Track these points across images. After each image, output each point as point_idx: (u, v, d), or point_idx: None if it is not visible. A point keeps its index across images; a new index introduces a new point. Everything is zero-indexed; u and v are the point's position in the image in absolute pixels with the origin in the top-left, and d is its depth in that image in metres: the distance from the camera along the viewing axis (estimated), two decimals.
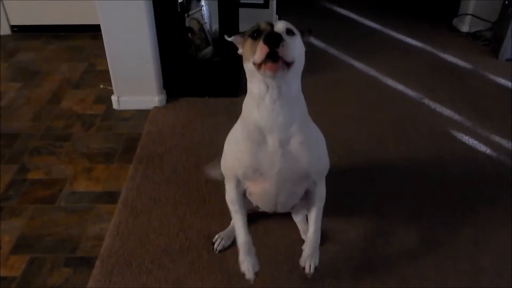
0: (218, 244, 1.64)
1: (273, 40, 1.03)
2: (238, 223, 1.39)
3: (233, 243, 1.63)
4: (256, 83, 1.14)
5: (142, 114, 2.47)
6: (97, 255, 1.62)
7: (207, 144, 2.21)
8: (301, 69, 1.18)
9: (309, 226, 1.43)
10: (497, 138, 2.28)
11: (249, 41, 1.12)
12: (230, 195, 1.38)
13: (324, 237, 1.67)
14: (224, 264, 1.59)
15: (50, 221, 1.80)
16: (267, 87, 1.13)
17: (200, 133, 2.29)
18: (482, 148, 2.21)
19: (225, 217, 1.76)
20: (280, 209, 1.48)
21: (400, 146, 2.22)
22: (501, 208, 1.85)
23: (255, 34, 1.10)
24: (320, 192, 1.40)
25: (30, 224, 1.78)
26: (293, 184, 1.31)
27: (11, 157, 2.15)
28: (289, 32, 1.12)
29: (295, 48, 1.10)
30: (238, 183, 1.35)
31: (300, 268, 1.46)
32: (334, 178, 1.95)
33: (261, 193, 1.34)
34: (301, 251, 1.45)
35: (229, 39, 1.25)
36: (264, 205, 1.45)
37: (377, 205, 1.86)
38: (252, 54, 1.08)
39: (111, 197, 1.91)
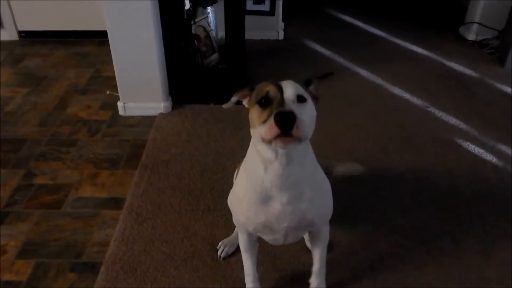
0: (222, 251, 1.64)
1: (286, 121, 0.96)
2: (248, 267, 1.43)
3: (237, 250, 1.64)
4: (265, 148, 1.07)
5: (147, 120, 2.49)
6: (102, 261, 1.63)
7: (212, 151, 2.21)
8: (311, 134, 1.08)
9: (314, 261, 1.44)
10: (503, 147, 2.27)
11: (256, 109, 1.05)
12: (243, 245, 1.39)
13: (330, 248, 1.67)
14: (228, 272, 1.59)
15: (56, 226, 1.81)
16: (276, 154, 1.07)
17: (205, 140, 2.30)
18: (488, 157, 2.20)
19: (230, 225, 1.76)
20: (289, 243, 1.48)
21: (405, 154, 2.21)
22: (506, 218, 1.83)
23: (263, 101, 1.04)
24: (324, 235, 1.39)
25: (36, 229, 1.79)
26: (299, 231, 1.31)
27: (18, 163, 2.16)
28: (300, 99, 1.04)
29: (307, 118, 1.02)
30: (250, 235, 1.34)
31: (304, 277, 1.46)
32: (338, 186, 1.96)
33: (269, 240, 1.33)
34: (305, 259, 1.46)
35: (228, 104, 1.20)
36: (272, 244, 1.44)
37: (381, 214, 1.85)
38: (260, 123, 1.01)
39: (116, 203, 1.92)
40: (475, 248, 1.70)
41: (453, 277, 1.58)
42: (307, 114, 1.03)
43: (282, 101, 1.02)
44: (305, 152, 1.13)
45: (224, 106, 1.23)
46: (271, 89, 1.05)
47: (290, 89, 1.05)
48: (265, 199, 1.16)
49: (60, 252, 1.69)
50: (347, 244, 1.71)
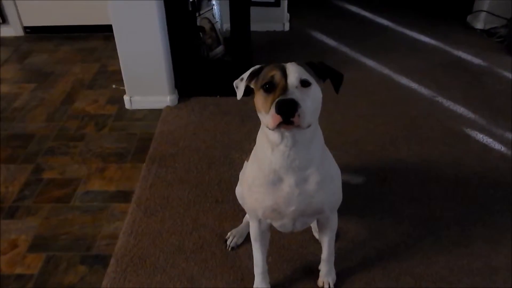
0: (231, 242, 1.65)
1: (288, 110, 0.98)
2: (258, 258, 1.43)
3: (246, 240, 1.65)
4: (270, 131, 1.09)
5: (154, 114, 2.49)
6: (112, 253, 1.65)
7: (219, 143, 2.22)
8: (318, 115, 1.12)
9: (323, 248, 1.45)
10: (511, 136, 2.25)
11: (261, 93, 1.07)
12: (254, 233, 1.38)
13: (337, 236, 1.67)
14: (237, 263, 1.59)
15: (65, 220, 1.82)
16: (282, 137, 1.09)
17: (212, 133, 2.30)
18: (497, 146, 2.19)
19: (237, 217, 1.77)
20: (297, 231, 1.48)
21: (413, 145, 2.20)
22: None
23: (267, 86, 1.05)
24: (333, 224, 1.40)
25: (46, 223, 1.81)
26: (307, 218, 1.31)
27: (26, 158, 2.18)
28: (304, 83, 1.05)
29: (311, 104, 1.04)
30: (260, 222, 1.34)
31: (312, 267, 1.46)
32: (347, 178, 1.96)
33: (278, 225, 1.34)
34: (313, 249, 1.46)
35: (239, 86, 1.20)
36: (281, 230, 1.45)
37: (390, 205, 1.85)
38: (264, 109, 1.04)
39: (124, 196, 1.93)
40: (483, 237, 1.69)
41: (461, 266, 1.58)
42: (311, 99, 1.05)
43: (285, 86, 1.03)
44: (311, 136, 1.13)
45: (238, 97, 1.22)
46: (275, 74, 1.06)
47: (293, 74, 1.05)
48: (273, 181, 1.17)
49: (70, 245, 1.71)
50: (356, 233, 1.71)
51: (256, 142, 1.22)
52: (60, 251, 1.68)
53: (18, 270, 1.61)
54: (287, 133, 1.08)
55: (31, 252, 1.68)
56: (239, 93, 1.20)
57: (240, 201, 1.55)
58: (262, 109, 1.06)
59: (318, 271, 1.51)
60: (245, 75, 1.18)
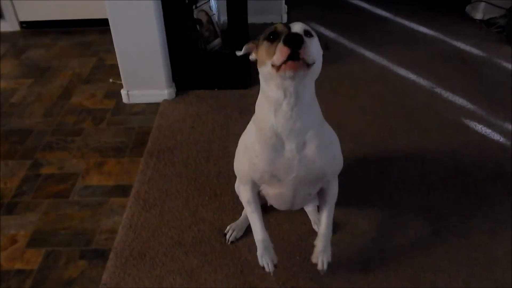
0: (230, 235, 1.65)
1: (294, 41, 0.99)
2: (255, 222, 1.39)
3: (245, 234, 1.65)
4: (274, 88, 1.10)
5: (152, 107, 2.48)
6: (111, 247, 1.64)
7: (217, 137, 2.21)
8: (318, 74, 1.14)
9: (321, 221, 1.43)
10: (510, 127, 2.25)
11: (265, 44, 1.08)
12: (246, 196, 1.36)
13: (336, 228, 1.67)
14: (236, 255, 1.59)
15: (64, 215, 1.82)
16: (285, 93, 1.09)
17: (210, 126, 2.29)
18: (496, 137, 2.18)
19: (237, 210, 1.76)
20: (295, 208, 1.48)
21: (412, 136, 2.20)
22: None
23: (272, 37, 1.07)
24: (333, 190, 1.40)
25: (45, 218, 1.81)
26: (308, 186, 1.30)
27: (24, 153, 2.17)
28: (307, 33, 1.09)
29: (314, 49, 1.08)
30: (254, 184, 1.33)
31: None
32: (345, 169, 1.95)
33: (277, 196, 1.33)
34: (312, 241, 1.45)
35: (241, 53, 1.22)
36: (279, 205, 1.44)
37: (389, 196, 1.85)
38: (269, 57, 1.05)
39: (123, 190, 1.92)
40: (483, 227, 1.69)
41: (461, 257, 1.58)
42: (313, 46, 1.08)
43: (291, 32, 1.05)
44: (312, 99, 1.16)
45: (238, 53, 1.24)
46: (278, 25, 1.09)
47: (297, 25, 1.10)
48: (275, 145, 1.17)
49: (70, 240, 1.71)
50: (354, 225, 1.71)
51: (256, 110, 1.21)
52: (60, 246, 1.68)
53: (18, 266, 1.61)
54: (290, 88, 1.08)
55: (31, 247, 1.68)
56: (241, 52, 1.22)
57: (236, 174, 1.47)
58: (266, 57, 1.06)
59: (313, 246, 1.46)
60: (245, 48, 1.21)
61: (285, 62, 1.01)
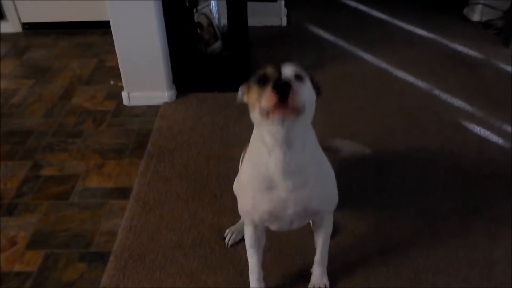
0: (229, 239, 1.65)
1: (282, 88, 0.96)
2: (253, 264, 1.42)
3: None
4: (265, 134, 1.08)
5: (152, 109, 2.49)
6: (111, 250, 1.65)
7: (217, 139, 2.22)
8: (311, 118, 1.11)
9: (316, 250, 1.45)
10: (509, 128, 2.25)
11: (255, 88, 1.05)
12: (249, 240, 1.37)
13: (336, 230, 1.68)
14: (236, 258, 1.60)
15: (64, 217, 1.82)
16: (276, 140, 1.07)
17: (210, 128, 2.30)
18: (494, 138, 2.19)
19: (236, 212, 1.73)
20: (294, 229, 1.47)
21: (411, 137, 2.20)
22: None
23: (261, 81, 1.04)
24: (328, 224, 1.39)
25: (45, 220, 1.81)
26: (304, 219, 1.30)
27: (25, 154, 2.18)
28: (298, 77, 1.05)
29: (304, 95, 1.03)
30: (256, 227, 1.33)
31: (312, 260, 1.47)
32: (344, 170, 1.96)
33: (275, 228, 1.33)
34: (312, 244, 1.46)
35: (238, 98, 1.19)
36: (279, 230, 1.44)
37: (388, 197, 1.85)
38: (259, 102, 1.01)
39: (123, 192, 1.93)
40: (482, 229, 1.70)
41: (460, 259, 1.58)
42: (304, 91, 1.04)
43: (279, 77, 1.03)
44: (305, 135, 1.11)
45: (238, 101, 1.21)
46: (268, 68, 1.06)
47: (288, 68, 1.05)
48: (269, 186, 1.15)
49: (69, 242, 1.71)
50: (354, 227, 1.72)
51: (250, 146, 1.19)
52: (59, 248, 1.69)
53: (17, 267, 1.61)
54: (280, 134, 1.05)
55: (30, 249, 1.68)
56: (238, 97, 1.20)
57: (241, 214, 1.49)
58: (256, 101, 1.03)
59: (310, 274, 1.51)
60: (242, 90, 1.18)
61: (273, 109, 0.98)
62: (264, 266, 1.56)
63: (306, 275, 1.53)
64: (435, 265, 1.56)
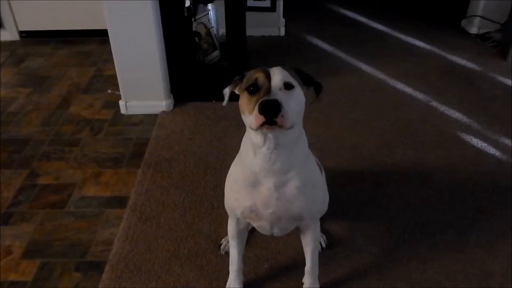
0: (225, 246, 1.64)
1: (271, 110, 0.99)
2: (234, 255, 1.45)
3: None
4: (254, 133, 1.11)
5: (150, 119, 2.49)
6: (107, 259, 1.64)
7: (215, 148, 2.22)
8: (301, 119, 1.14)
9: (306, 261, 1.44)
10: (506, 141, 2.26)
11: (245, 96, 1.09)
12: (231, 231, 1.41)
13: (332, 243, 1.67)
14: None
15: (60, 226, 1.81)
16: (264, 139, 1.11)
17: (208, 138, 2.30)
18: (491, 151, 2.20)
19: None
20: (276, 235, 1.46)
21: (408, 149, 2.21)
22: (510, 212, 1.83)
23: (252, 88, 1.07)
24: (314, 236, 1.38)
25: (41, 229, 1.80)
26: (285, 223, 1.30)
27: (21, 163, 2.17)
28: (287, 86, 1.07)
29: (294, 105, 1.06)
30: (238, 220, 1.36)
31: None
32: (342, 182, 1.97)
33: (257, 226, 1.34)
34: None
35: (225, 102, 1.23)
36: (261, 232, 1.44)
37: (385, 210, 1.85)
38: (248, 110, 1.05)
39: (120, 202, 1.92)
40: (479, 242, 1.70)
41: (457, 271, 1.58)
42: (294, 101, 1.06)
43: (269, 88, 1.05)
44: (294, 140, 1.15)
45: (224, 103, 1.25)
46: (259, 76, 1.08)
47: (277, 76, 1.07)
48: (253, 183, 1.19)
49: (65, 251, 1.70)
50: (351, 239, 1.71)
51: (241, 145, 1.23)
52: (55, 257, 1.67)
53: (12, 277, 1.60)
54: (269, 135, 1.10)
55: (26, 258, 1.67)
56: (225, 100, 1.23)
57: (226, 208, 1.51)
58: (246, 110, 1.07)
59: (302, 284, 1.50)
60: (227, 90, 1.22)
61: (261, 126, 1.01)
62: (261, 276, 1.56)
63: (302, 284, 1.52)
64: (432, 278, 1.56)
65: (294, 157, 1.16)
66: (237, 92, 1.18)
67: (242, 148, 1.23)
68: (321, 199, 1.30)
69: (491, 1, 3.30)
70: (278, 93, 1.04)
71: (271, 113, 0.99)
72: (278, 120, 1.00)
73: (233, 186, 1.27)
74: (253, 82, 1.08)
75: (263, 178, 1.17)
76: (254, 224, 1.33)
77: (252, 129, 1.05)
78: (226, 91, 1.22)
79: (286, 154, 1.14)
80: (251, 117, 1.04)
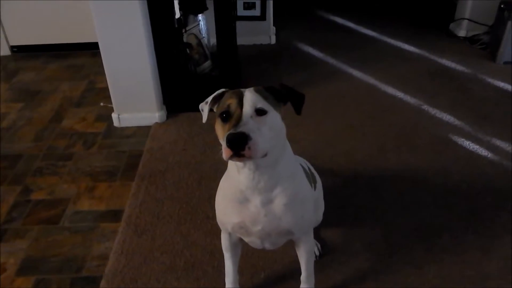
0: None
1: (237, 144, 0.98)
2: (229, 267, 1.45)
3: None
4: None
5: (143, 130, 2.49)
6: (103, 274, 1.63)
7: (208, 158, 2.21)
8: (281, 141, 1.14)
9: (302, 270, 1.45)
10: (498, 142, 2.28)
11: (219, 122, 1.09)
12: (224, 244, 1.42)
13: (328, 248, 1.67)
14: None
15: (55, 241, 1.80)
16: (244, 163, 1.11)
17: (201, 148, 2.30)
18: (484, 152, 2.21)
19: None
20: (268, 249, 1.45)
21: (402, 154, 2.22)
22: (505, 212, 1.84)
23: (224, 115, 1.07)
24: (307, 247, 1.38)
25: (35, 245, 1.79)
26: (276, 238, 1.30)
27: (14, 179, 2.16)
28: (260, 112, 1.05)
29: (267, 132, 1.04)
30: (231, 234, 1.36)
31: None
32: (337, 188, 1.97)
33: (248, 241, 1.34)
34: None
35: (204, 119, 1.22)
36: (253, 246, 1.44)
37: (380, 214, 1.85)
38: (221, 138, 1.05)
39: (114, 215, 1.91)
40: (475, 244, 1.70)
41: (453, 274, 1.58)
42: (267, 128, 1.05)
43: (240, 116, 1.04)
44: (276, 160, 1.14)
45: (204, 120, 1.23)
46: (231, 103, 1.07)
47: (249, 102, 1.06)
48: (241, 200, 1.19)
49: (60, 267, 1.69)
50: (347, 245, 1.71)
51: (228, 162, 1.21)
52: (50, 273, 1.66)
53: None
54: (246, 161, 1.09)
55: (20, 275, 1.65)
56: (204, 117, 1.22)
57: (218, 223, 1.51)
58: (220, 137, 1.08)
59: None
60: (209, 99, 1.20)
61: (230, 158, 1.01)
62: (258, 285, 1.56)
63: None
64: (429, 281, 1.56)
65: (278, 175, 1.15)
66: (214, 111, 1.17)
67: (229, 165, 1.22)
68: (310, 213, 1.30)
69: (478, 4, 3.34)
70: (249, 122, 1.03)
71: (237, 147, 0.99)
72: (246, 153, 0.99)
73: (222, 201, 1.27)
74: (225, 109, 1.07)
75: (250, 195, 1.18)
76: (245, 239, 1.33)
77: (224, 160, 1.04)
78: (204, 108, 1.21)
79: (269, 173, 1.14)
80: (221, 151, 1.03)
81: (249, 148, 0.99)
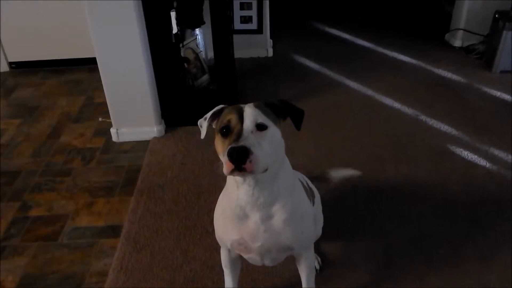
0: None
1: (239, 157, 0.99)
2: (228, 283, 1.45)
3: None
4: None
5: (141, 145, 2.49)
6: None
7: (207, 173, 2.21)
8: (280, 156, 1.14)
9: (303, 285, 1.44)
10: (496, 152, 2.28)
11: (219, 137, 1.09)
12: (224, 260, 1.42)
13: (328, 261, 1.67)
14: None
15: (53, 258, 1.79)
16: (244, 178, 1.11)
17: (200, 162, 2.30)
18: (482, 162, 2.22)
19: None
20: (268, 265, 1.45)
21: (399, 165, 2.22)
22: (504, 222, 1.84)
23: (224, 130, 1.07)
24: (307, 263, 1.38)
25: (33, 262, 1.78)
26: (276, 254, 1.29)
27: (13, 195, 2.16)
28: (260, 127, 1.06)
29: (267, 147, 1.05)
30: (229, 251, 1.36)
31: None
32: (335, 200, 1.97)
33: (248, 258, 1.33)
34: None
35: (203, 135, 1.22)
36: (252, 263, 1.44)
37: (379, 226, 1.85)
38: (222, 153, 1.05)
39: (113, 231, 1.91)
40: (475, 254, 1.70)
41: (454, 285, 1.58)
42: (267, 143, 1.05)
43: (240, 131, 1.04)
44: (275, 175, 1.14)
45: (202, 136, 1.23)
46: (231, 118, 1.07)
47: (249, 117, 1.06)
48: (240, 216, 1.19)
49: (59, 285, 1.67)
50: (347, 257, 1.70)
51: (227, 177, 1.22)
52: None
53: None
54: (246, 177, 1.09)
55: None
56: (203, 133, 1.22)
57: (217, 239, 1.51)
58: (220, 152, 1.08)
59: None
60: (208, 115, 1.20)
61: (232, 172, 1.02)
62: None
63: None
64: None
65: (277, 190, 1.16)
66: (213, 127, 1.17)
67: (227, 181, 1.22)
68: (310, 229, 1.29)
69: (473, 14, 3.37)
70: (250, 137, 1.03)
71: (239, 160, 0.99)
72: (247, 166, 0.99)
73: (220, 218, 1.26)
74: (225, 124, 1.07)
75: (249, 211, 1.17)
76: (245, 256, 1.32)
77: (225, 174, 1.05)
78: (203, 124, 1.21)
79: (268, 189, 1.14)
80: (222, 166, 1.03)
81: (250, 161, 0.99)
